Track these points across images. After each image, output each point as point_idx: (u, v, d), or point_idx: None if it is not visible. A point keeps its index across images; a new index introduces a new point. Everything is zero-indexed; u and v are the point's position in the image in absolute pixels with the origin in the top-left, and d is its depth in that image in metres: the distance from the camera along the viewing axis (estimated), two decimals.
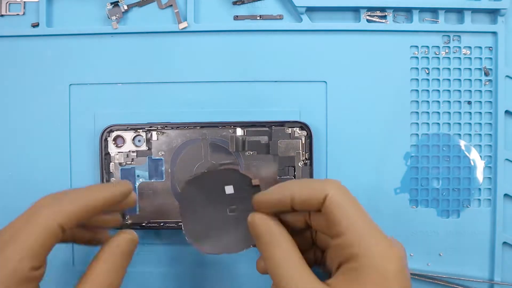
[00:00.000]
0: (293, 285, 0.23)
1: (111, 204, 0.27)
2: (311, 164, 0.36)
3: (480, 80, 0.38)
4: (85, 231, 0.29)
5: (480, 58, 0.38)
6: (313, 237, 0.28)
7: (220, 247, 0.30)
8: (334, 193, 0.24)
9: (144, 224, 0.36)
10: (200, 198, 0.30)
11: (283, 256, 0.24)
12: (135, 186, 0.36)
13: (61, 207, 0.24)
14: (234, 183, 0.29)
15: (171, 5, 0.37)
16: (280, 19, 0.38)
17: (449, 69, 0.38)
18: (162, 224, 0.36)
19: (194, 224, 0.30)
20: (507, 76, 0.37)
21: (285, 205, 0.25)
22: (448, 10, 0.37)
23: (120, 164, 0.36)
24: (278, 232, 0.25)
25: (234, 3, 0.38)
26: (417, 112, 0.38)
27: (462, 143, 0.38)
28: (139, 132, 0.36)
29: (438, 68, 0.38)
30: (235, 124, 0.36)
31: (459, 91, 0.38)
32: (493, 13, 0.38)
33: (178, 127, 0.36)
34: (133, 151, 0.36)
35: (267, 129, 0.36)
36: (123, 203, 0.28)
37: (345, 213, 0.23)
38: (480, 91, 0.38)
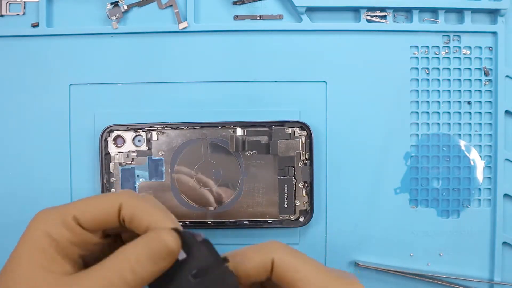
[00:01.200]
0: None
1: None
2: (311, 164, 0.36)
3: (480, 80, 0.38)
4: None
5: (480, 58, 0.38)
6: None
7: None
8: (280, 255, 0.22)
9: None
10: None
11: None
12: (135, 186, 0.36)
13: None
14: (184, 245, 0.22)
15: (171, 5, 0.37)
16: (280, 19, 0.38)
17: (449, 69, 0.38)
18: None
19: None
20: (507, 76, 0.37)
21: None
22: (448, 10, 0.37)
23: (120, 164, 0.36)
24: None
25: (234, 3, 0.38)
26: (417, 112, 0.38)
27: (462, 143, 0.38)
28: (139, 132, 0.36)
29: (438, 68, 0.38)
30: (235, 124, 0.36)
31: (459, 91, 0.38)
32: (493, 13, 0.38)
33: (178, 127, 0.36)
34: (133, 151, 0.36)
35: (267, 129, 0.36)
36: None
37: (298, 273, 0.22)
38: (480, 91, 0.38)
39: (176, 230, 0.21)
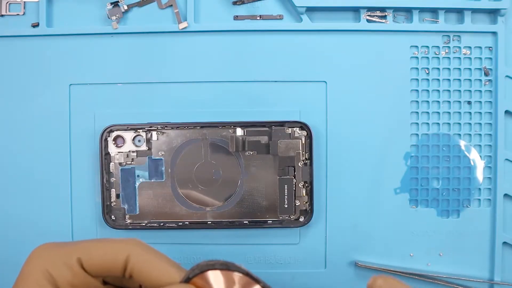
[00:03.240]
0: None
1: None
2: (311, 164, 0.36)
3: (480, 80, 0.38)
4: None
5: (480, 58, 0.38)
6: None
7: None
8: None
9: (144, 224, 0.36)
10: None
11: None
12: (135, 186, 0.36)
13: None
14: None
15: (171, 5, 0.37)
16: (280, 19, 0.38)
17: (449, 69, 0.38)
18: (162, 224, 0.36)
19: None
20: (507, 76, 0.37)
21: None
22: (448, 10, 0.37)
23: (120, 164, 0.36)
24: None
25: (234, 3, 0.38)
26: (417, 112, 0.38)
27: (462, 143, 0.38)
28: (139, 132, 0.36)
29: (438, 68, 0.38)
30: (235, 124, 0.36)
31: (459, 91, 0.38)
32: (493, 13, 0.38)
33: (178, 127, 0.36)
34: (133, 151, 0.36)
35: (267, 129, 0.36)
36: None
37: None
38: (480, 91, 0.38)
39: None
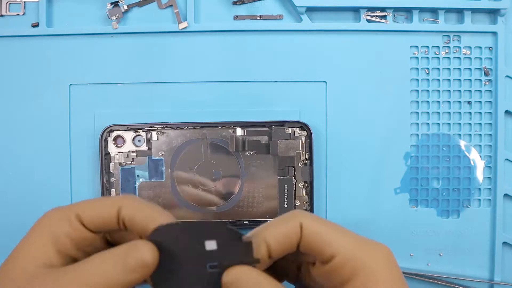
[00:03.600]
0: None
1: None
2: (311, 164, 0.36)
3: (480, 80, 0.38)
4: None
5: (480, 58, 0.38)
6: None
7: None
8: (307, 220, 0.22)
9: None
10: (176, 249, 0.24)
11: None
12: (135, 186, 0.36)
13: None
14: (219, 237, 0.23)
15: (171, 5, 0.37)
16: (280, 19, 0.38)
17: (449, 69, 0.38)
18: None
19: (167, 279, 0.23)
20: (507, 76, 0.37)
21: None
22: (448, 10, 0.37)
23: (120, 164, 0.36)
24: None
25: (234, 3, 0.38)
26: (417, 112, 0.38)
27: (462, 143, 0.38)
28: (139, 132, 0.36)
29: (438, 68, 0.38)
30: (235, 124, 0.36)
31: (459, 91, 0.38)
32: (493, 13, 0.38)
33: (178, 127, 0.36)
34: (133, 151, 0.36)
35: (267, 129, 0.36)
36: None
37: (327, 235, 0.22)
38: (480, 91, 0.38)
39: (155, 241, 0.21)
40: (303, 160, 0.36)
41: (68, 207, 0.23)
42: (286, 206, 0.36)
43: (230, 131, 0.36)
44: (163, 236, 0.22)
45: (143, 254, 0.21)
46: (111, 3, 0.37)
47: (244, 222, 0.36)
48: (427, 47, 0.38)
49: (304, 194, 0.36)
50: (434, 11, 0.37)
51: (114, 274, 0.20)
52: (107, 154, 0.36)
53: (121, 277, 0.21)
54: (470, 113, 0.38)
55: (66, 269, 0.21)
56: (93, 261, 0.21)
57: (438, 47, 0.38)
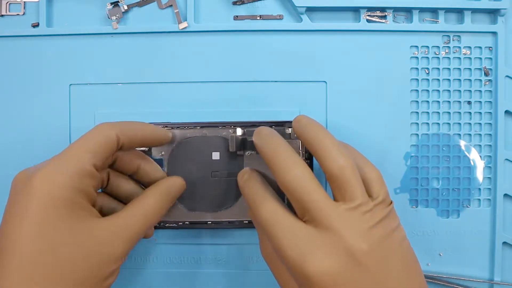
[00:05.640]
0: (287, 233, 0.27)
1: (155, 139, 0.32)
2: (311, 164, 0.36)
3: (480, 80, 0.38)
4: (125, 182, 0.32)
5: (480, 58, 0.38)
6: None
7: (202, 206, 0.35)
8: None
9: None
10: (186, 160, 0.35)
11: (272, 208, 0.29)
12: None
13: (119, 124, 0.29)
14: (220, 149, 0.34)
15: (171, 5, 0.37)
16: (280, 19, 0.38)
17: (449, 69, 0.38)
18: (162, 223, 0.36)
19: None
20: (507, 76, 0.37)
21: None
22: (448, 10, 0.37)
23: None
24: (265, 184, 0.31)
25: (234, 3, 0.38)
26: (417, 112, 0.38)
27: (462, 143, 0.38)
28: None
29: (438, 68, 0.38)
30: (235, 124, 0.36)
31: (459, 91, 0.38)
32: (493, 13, 0.38)
33: (178, 127, 0.36)
34: None
35: None
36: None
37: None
38: (480, 91, 0.38)
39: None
40: None
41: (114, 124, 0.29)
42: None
43: (230, 131, 0.36)
44: (183, 148, 0.34)
45: (181, 184, 0.33)
46: (111, 3, 0.37)
47: (244, 222, 0.36)
48: (427, 47, 0.38)
49: None
50: (434, 11, 0.37)
51: (165, 204, 0.31)
52: None
53: (168, 205, 0.32)
54: (470, 113, 0.38)
55: (127, 206, 0.29)
56: (147, 198, 0.30)
57: (438, 47, 0.38)
